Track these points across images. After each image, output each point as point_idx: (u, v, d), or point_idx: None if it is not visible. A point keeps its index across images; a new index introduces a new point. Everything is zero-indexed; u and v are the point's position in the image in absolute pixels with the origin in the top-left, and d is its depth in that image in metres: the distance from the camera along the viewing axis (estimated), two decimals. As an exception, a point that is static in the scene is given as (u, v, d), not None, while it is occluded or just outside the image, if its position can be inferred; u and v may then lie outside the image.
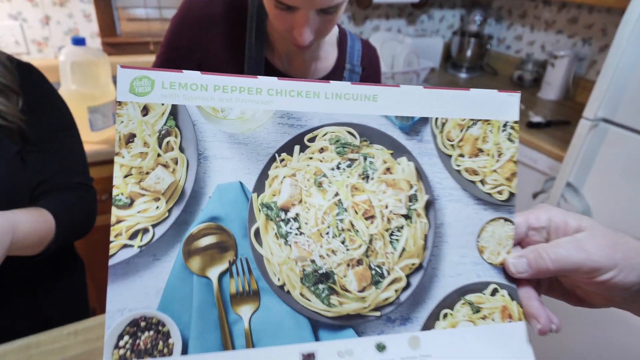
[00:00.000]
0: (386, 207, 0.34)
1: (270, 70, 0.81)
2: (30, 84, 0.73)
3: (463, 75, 2.37)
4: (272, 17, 0.70)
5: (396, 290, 0.34)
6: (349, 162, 0.34)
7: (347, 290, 0.33)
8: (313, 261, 0.32)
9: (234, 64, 0.79)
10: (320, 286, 0.32)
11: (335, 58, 0.86)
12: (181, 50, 0.80)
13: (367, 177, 0.34)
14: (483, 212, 0.36)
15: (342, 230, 0.33)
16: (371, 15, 2.28)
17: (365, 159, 0.34)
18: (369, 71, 0.90)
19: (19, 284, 0.79)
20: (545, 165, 1.54)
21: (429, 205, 0.35)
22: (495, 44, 2.44)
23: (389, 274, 0.34)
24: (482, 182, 0.36)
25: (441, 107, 0.36)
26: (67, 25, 1.64)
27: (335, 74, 0.86)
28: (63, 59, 1.42)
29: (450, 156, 0.36)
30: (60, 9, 1.61)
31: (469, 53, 2.33)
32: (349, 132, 0.34)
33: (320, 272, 0.32)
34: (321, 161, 0.34)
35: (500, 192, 0.36)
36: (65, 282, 0.87)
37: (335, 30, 0.87)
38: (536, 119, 1.73)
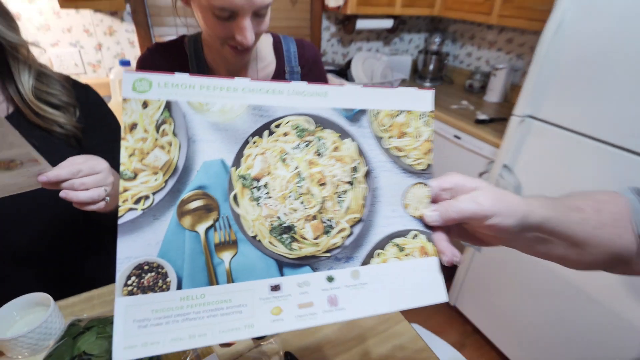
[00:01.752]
0: (335, 176, 0.34)
1: None
2: (87, 102, 0.71)
3: (427, 84, 2.31)
4: (213, 29, 0.62)
5: (342, 237, 0.34)
6: (306, 143, 0.34)
7: (304, 238, 0.33)
8: (279, 217, 0.33)
9: None
10: (284, 236, 0.33)
11: (274, 64, 0.79)
12: None
13: (320, 154, 0.34)
14: (407, 179, 0.36)
15: (301, 194, 0.33)
16: (355, 38, 2.25)
17: (319, 140, 0.34)
18: (308, 67, 0.82)
19: (99, 242, 0.78)
20: (488, 152, 1.53)
21: (367, 175, 0.35)
22: (452, 59, 2.39)
23: (336, 225, 0.34)
24: (406, 156, 0.36)
25: (375, 101, 0.36)
26: (116, 50, 1.63)
27: (278, 79, 0.78)
28: (112, 77, 1.41)
29: (382, 138, 0.36)
30: (110, 38, 1.59)
31: (431, 67, 2.28)
32: (306, 120, 0.34)
33: (284, 225, 0.33)
34: (285, 142, 0.34)
35: (419, 164, 0.36)
36: None
37: (270, 40, 0.80)
38: (482, 117, 1.71)
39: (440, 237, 0.36)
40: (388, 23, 2.11)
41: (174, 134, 0.31)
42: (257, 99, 0.33)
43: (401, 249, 0.35)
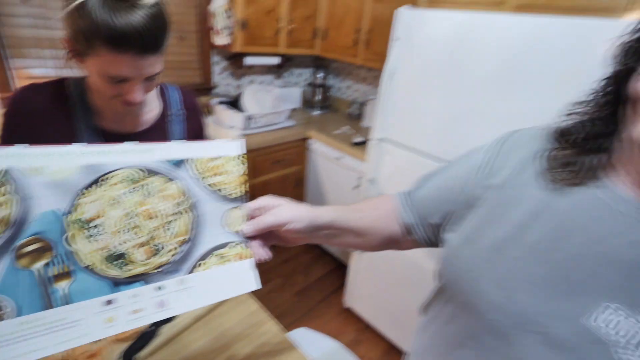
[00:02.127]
0: (162, 210, 0.45)
1: (106, 134, 0.75)
2: None
3: (316, 112, 2.58)
4: (104, 89, 0.64)
5: (171, 255, 0.44)
6: (137, 188, 0.44)
7: (135, 261, 0.43)
8: (110, 249, 0.42)
9: (69, 142, 0.70)
10: (118, 261, 0.42)
11: (160, 108, 0.83)
12: (18, 142, 0.68)
13: (150, 194, 0.45)
14: (225, 205, 0.49)
15: (133, 227, 0.43)
16: (247, 72, 2.40)
17: (148, 185, 0.45)
18: (190, 111, 0.88)
19: None
20: (361, 168, 1.80)
21: (193, 206, 0.47)
22: (335, 91, 2.72)
23: (166, 247, 0.44)
24: (223, 189, 0.49)
25: (194, 152, 0.48)
26: (-30, 88, 1.47)
27: (163, 120, 0.83)
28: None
29: (203, 177, 0.48)
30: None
31: (318, 97, 2.57)
32: (136, 171, 0.45)
33: (116, 254, 0.42)
34: (114, 190, 0.43)
35: (234, 194, 0.49)
36: None
37: (156, 88, 0.85)
38: (357, 139, 2.00)
39: (256, 244, 0.49)
40: (275, 60, 2.33)
41: (11, 193, 0.38)
42: (90, 159, 0.42)
43: (221, 257, 0.47)
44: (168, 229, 0.45)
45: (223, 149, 0.51)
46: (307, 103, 2.66)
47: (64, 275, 0.40)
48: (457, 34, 1.18)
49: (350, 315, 1.90)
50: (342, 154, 1.97)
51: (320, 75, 2.54)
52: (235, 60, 2.24)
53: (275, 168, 2.12)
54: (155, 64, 0.64)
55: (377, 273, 1.70)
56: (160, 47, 0.62)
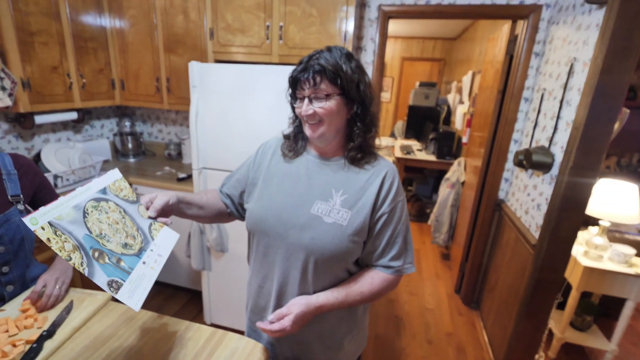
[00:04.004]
0: (117, 218, 0.67)
1: None
2: None
3: (132, 160, 2.62)
4: None
5: (140, 236, 0.74)
6: (100, 210, 0.65)
7: (131, 244, 0.71)
8: (119, 243, 0.68)
9: None
10: (125, 247, 0.69)
11: None
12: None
13: (107, 211, 0.71)
14: (134, 205, 0.73)
15: (116, 230, 0.69)
16: (38, 132, 2.21)
17: (103, 207, 0.69)
18: (24, 169, 1.05)
19: None
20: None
21: (124, 211, 0.70)
22: (147, 136, 2.83)
23: (134, 234, 0.72)
24: (129, 198, 0.73)
25: (103, 182, 0.74)
26: None
27: None
28: None
29: (117, 195, 0.72)
30: None
31: (130, 145, 2.61)
32: (93, 201, 0.70)
33: (122, 244, 0.65)
34: (94, 215, 0.67)
35: (133, 197, 0.74)
36: None
37: None
38: (182, 175, 2.23)
39: (160, 219, 0.78)
40: (72, 115, 2.28)
41: (63, 232, 0.59)
42: (72, 202, 0.64)
43: (156, 229, 0.76)
44: (126, 225, 0.70)
45: (114, 175, 0.78)
46: (120, 153, 2.66)
47: (119, 259, 0.64)
48: (238, 80, 1.67)
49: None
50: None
51: (127, 123, 2.62)
52: (22, 122, 2.06)
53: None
54: None
55: (227, 283, 1.98)
56: None
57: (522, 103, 2.09)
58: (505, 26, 2.24)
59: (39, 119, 2.07)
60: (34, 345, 0.80)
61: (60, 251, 0.57)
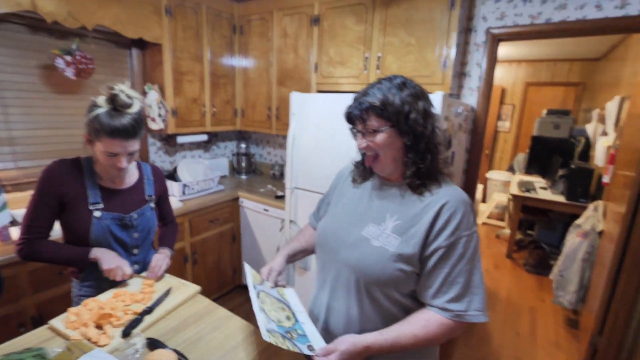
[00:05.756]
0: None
1: (103, 189, 1.12)
2: None
3: (244, 177, 3.03)
4: (104, 160, 1.03)
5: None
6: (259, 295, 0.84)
7: (283, 321, 0.84)
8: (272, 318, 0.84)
9: (82, 194, 1.09)
10: (276, 320, 0.91)
11: (137, 175, 1.24)
12: (47, 197, 1.06)
13: (265, 300, 0.85)
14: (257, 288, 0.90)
15: (274, 309, 0.83)
16: (179, 149, 2.79)
17: (262, 293, 0.85)
18: (157, 177, 1.30)
19: None
20: (283, 215, 2.24)
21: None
22: (258, 157, 3.24)
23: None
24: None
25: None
26: None
27: (140, 182, 1.24)
28: None
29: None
30: None
31: (244, 164, 3.04)
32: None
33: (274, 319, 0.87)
34: (259, 299, 0.83)
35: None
36: None
37: (134, 163, 1.26)
38: (280, 193, 2.47)
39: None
40: (204, 137, 2.80)
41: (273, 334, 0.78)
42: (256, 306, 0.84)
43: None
44: (274, 302, 0.90)
45: (248, 270, 0.99)
46: (235, 170, 3.12)
47: (295, 330, 0.83)
48: (332, 108, 1.80)
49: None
50: (268, 206, 2.42)
51: (243, 145, 3.06)
52: (169, 140, 2.65)
53: (212, 227, 2.46)
54: (134, 145, 1.06)
55: (306, 299, 2.06)
56: (137, 135, 1.05)
57: (685, 135, 1.63)
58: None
59: (180, 139, 2.62)
60: (139, 317, 1.00)
61: (279, 344, 0.73)
